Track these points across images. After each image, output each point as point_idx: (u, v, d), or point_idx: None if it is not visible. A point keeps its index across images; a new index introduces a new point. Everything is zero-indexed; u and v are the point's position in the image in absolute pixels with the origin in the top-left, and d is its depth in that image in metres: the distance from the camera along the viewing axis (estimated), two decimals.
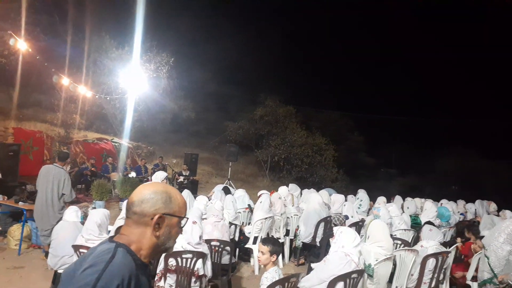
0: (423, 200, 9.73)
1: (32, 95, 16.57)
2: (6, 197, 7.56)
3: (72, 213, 4.88)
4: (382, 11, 37.55)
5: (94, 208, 7.08)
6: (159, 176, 7.78)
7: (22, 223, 6.38)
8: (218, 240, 5.06)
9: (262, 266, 3.53)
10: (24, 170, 9.87)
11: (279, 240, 6.80)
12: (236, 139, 21.85)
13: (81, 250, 4.09)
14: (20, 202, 6.73)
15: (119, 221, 5.31)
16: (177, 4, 25.90)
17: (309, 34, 37.28)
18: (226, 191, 8.85)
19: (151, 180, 11.69)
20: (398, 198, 10.14)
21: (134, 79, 14.88)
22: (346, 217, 6.35)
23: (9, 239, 6.48)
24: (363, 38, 38.53)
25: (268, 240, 3.52)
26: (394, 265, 4.76)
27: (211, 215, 5.51)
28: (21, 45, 8.34)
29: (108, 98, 15.05)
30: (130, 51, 16.42)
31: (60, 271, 4.71)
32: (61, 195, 5.93)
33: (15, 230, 6.44)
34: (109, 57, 16.42)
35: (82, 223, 5.08)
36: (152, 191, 1.49)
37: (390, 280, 4.68)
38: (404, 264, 4.81)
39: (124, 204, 5.61)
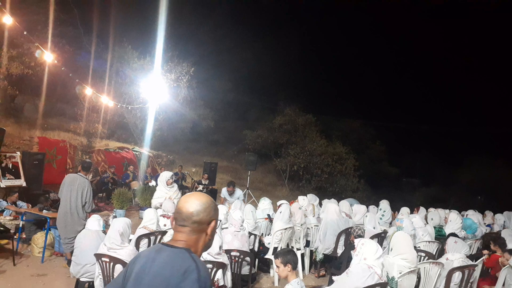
0: (447, 211, 9.47)
1: (57, 105, 17.00)
2: (30, 205, 7.74)
3: (94, 222, 4.94)
4: (400, 19, 37.19)
5: (115, 216, 7.16)
6: (166, 175, 7.99)
7: (45, 231, 6.49)
8: (237, 251, 5.04)
9: (285, 279, 3.49)
10: (47, 179, 10.08)
11: (299, 250, 6.72)
12: (255, 148, 21.81)
13: (103, 258, 4.12)
14: (44, 210, 6.86)
15: (140, 230, 5.34)
16: (197, 14, 26.29)
17: (328, 42, 37.12)
18: (231, 184, 8.91)
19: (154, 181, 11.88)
20: (422, 210, 9.85)
21: (155, 89, 15.11)
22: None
23: (32, 247, 6.61)
24: (383, 46, 38.15)
25: (279, 253, 3.52)
26: (418, 278, 4.63)
27: (231, 225, 5.50)
28: (47, 56, 8.57)
29: (129, 108, 15.31)
30: (152, 61, 16.68)
31: (82, 279, 4.75)
32: (84, 204, 6.03)
33: (39, 238, 6.56)
34: (131, 67, 16.71)
35: (104, 231, 5.14)
36: (204, 202, 1.74)
37: None
38: (429, 277, 4.68)
39: (145, 213, 5.63)
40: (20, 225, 6.83)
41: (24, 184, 9.04)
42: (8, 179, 8.77)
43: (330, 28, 36.34)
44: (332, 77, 35.31)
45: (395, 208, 9.31)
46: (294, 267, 3.39)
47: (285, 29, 33.36)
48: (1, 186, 8.60)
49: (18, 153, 9.63)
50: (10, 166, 9.05)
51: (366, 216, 6.89)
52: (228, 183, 10.19)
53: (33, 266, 6.06)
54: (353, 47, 37.39)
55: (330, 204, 7.10)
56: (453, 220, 7.29)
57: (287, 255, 3.41)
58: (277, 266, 3.39)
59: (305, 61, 33.38)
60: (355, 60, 36.84)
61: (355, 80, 36.27)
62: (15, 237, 6.57)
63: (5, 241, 6.48)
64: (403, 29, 36.82)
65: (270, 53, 30.39)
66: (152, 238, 5.25)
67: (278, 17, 34.93)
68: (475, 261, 5.13)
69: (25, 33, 8.26)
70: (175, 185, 8.38)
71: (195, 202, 1.73)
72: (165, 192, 8.02)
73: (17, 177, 9.06)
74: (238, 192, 9.88)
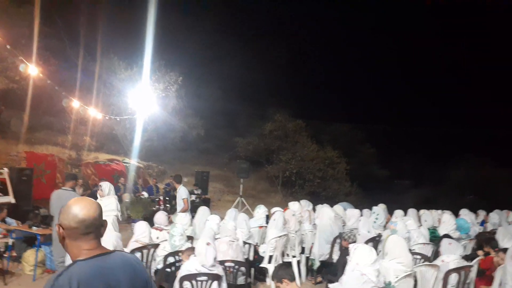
0: (440, 212, 9.49)
1: (44, 119, 16.76)
2: (20, 222, 7.58)
3: None
4: (389, 21, 37.64)
5: None
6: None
7: (36, 248, 6.36)
8: (232, 261, 4.98)
9: None
10: (37, 194, 9.92)
11: (294, 258, 6.68)
12: (246, 155, 21.77)
13: None
14: (33, 227, 6.71)
15: (133, 244, 5.26)
16: (184, 23, 26.24)
17: (315, 47, 37.41)
18: (178, 179, 8.25)
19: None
20: (412, 212, 9.49)
21: (143, 99, 15.00)
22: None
23: (23, 265, 6.47)
24: (371, 48, 38.52)
25: (272, 273, 3.52)
26: (415, 281, 4.62)
27: (224, 235, 5.43)
28: (32, 70, 8.44)
29: (118, 119, 15.17)
30: (139, 71, 16.57)
31: None
32: None
33: (29, 256, 6.43)
34: (118, 78, 16.59)
35: None
36: (98, 204, 1.85)
37: None
38: (425, 280, 4.67)
39: (136, 227, 5.55)
40: (10, 243, 6.66)
41: (12, 201, 8.86)
42: None
43: (316, 33, 36.66)
44: (320, 82, 35.58)
45: (387, 211, 9.31)
46: (291, 279, 3.36)
47: (272, 36, 33.54)
48: None
49: (6, 169, 9.45)
50: None
51: (360, 220, 6.88)
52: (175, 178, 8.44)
53: (25, 285, 5.93)
54: (339, 52, 37.72)
55: (324, 209, 7.07)
56: (446, 221, 7.31)
57: (278, 271, 3.42)
58: (277, 287, 3.39)
59: (293, 67, 33.58)
60: (342, 64, 37.17)
61: (342, 84, 36.59)
62: (5, 255, 6.42)
63: None
64: (389, 34, 37.27)
65: (258, 60, 30.49)
66: (145, 251, 5.17)
67: (265, 25, 35.10)
68: (471, 262, 5.13)
69: (8, 47, 8.14)
70: (109, 197, 5.97)
71: (92, 206, 1.76)
72: None
73: (5, 193, 8.88)
74: (181, 192, 7.80)
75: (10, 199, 8.86)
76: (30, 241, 6.93)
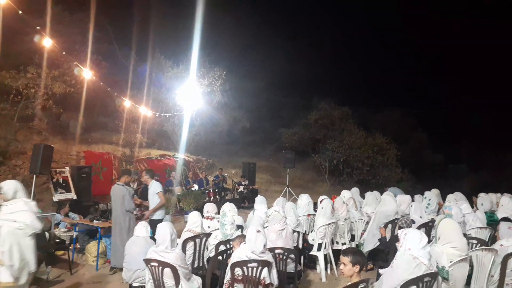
0: (498, 195, 9.00)
1: (98, 119, 17.72)
2: (82, 217, 8.13)
3: (142, 229, 5.10)
4: (433, 4, 35.78)
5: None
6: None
7: (97, 240, 6.80)
8: (281, 248, 5.05)
9: (348, 277, 3.43)
10: (96, 190, 10.55)
11: (344, 245, 6.66)
12: (292, 145, 21.72)
13: (152, 263, 4.25)
14: (94, 221, 7.19)
15: (186, 234, 5.47)
16: (226, 18, 26.50)
17: (358, 31, 36.45)
18: (150, 174, 7.19)
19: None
20: (460, 195, 8.50)
21: (190, 95, 15.42)
22: (413, 221, 6.01)
23: (87, 256, 6.95)
24: (417, 33, 36.88)
25: (348, 251, 3.43)
26: (471, 266, 4.46)
27: (273, 224, 5.50)
28: (86, 74, 8.95)
29: (167, 116, 15.70)
30: (185, 68, 17.04)
31: (134, 284, 4.93)
32: (125, 211, 6.31)
33: (92, 247, 6.89)
34: (166, 76, 17.17)
35: (152, 237, 5.31)
36: None
37: (468, 283, 4.38)
38: (482, 265, 4.49)
39: (189, 216, 5.77)
40: (74, 236, 7.19)
41: (74, 197, 9.52)
42: (60, 193, 9.26)
43: (360, 19, 35.65)
44: (366, 68, 34.62)
45: (442, 196, 8.96)
46: (361, 269, 3.35)
47: (314, 25, 33.10)
48: (54, 200, 9.10)
49: (67, 167, 10.15)
50: (61, 181, 9.56)
51: (411, 206, 6.71)
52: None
53: (89, 274, 6.37)
54: (386, 37, 36.44)
55: (386, 197, 6.97)
56: (505, 205, 6.94)
57: (358, 256, 3.34)
58: (344, 264, 3.34)
59: (336, 55, 32.97)
60: (388, 49, 35.91)
61: (390, 69, 35.34)
62: (70, 247, 6.93)
63: (62, 252, 6.86)
64: (437, 14, 35.42)
65: (300, 50, 30.33)
66: (198, 240, 5.37)
67: (306, 13, 34.63)
68: None
69: (64, 53, 8.68)
70: (15, 202, 4.27)
71: None
72: None
73: (68, 190, 9.56)
74: (155, 186, 6.98)
75: (73, 195, 9.52)
76: (91, 234, 7.44)
